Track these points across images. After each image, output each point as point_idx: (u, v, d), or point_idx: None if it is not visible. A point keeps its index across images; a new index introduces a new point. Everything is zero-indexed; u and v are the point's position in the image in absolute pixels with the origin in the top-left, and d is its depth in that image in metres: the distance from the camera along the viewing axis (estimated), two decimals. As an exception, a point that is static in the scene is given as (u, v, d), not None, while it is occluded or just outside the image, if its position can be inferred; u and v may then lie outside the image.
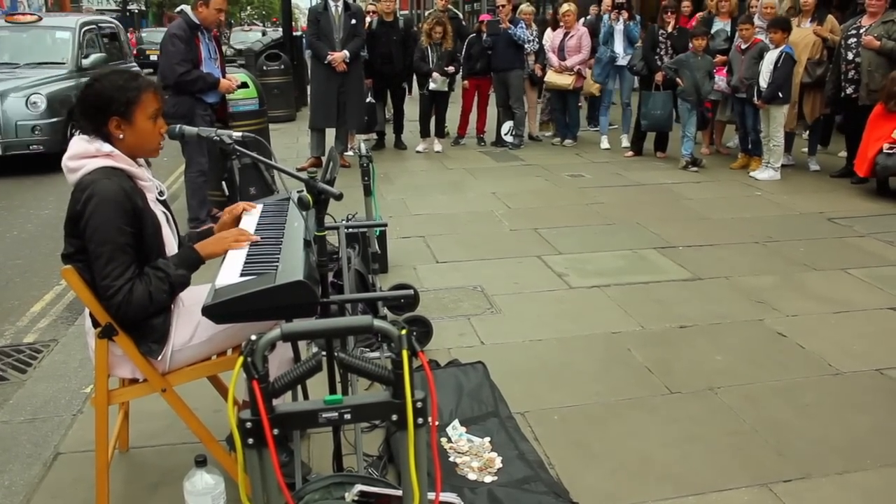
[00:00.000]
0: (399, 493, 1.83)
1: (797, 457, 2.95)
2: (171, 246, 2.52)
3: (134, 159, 2.48)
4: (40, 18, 10.87)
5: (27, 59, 10.06)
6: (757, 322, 4.27)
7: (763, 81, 7.48)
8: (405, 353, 1.52)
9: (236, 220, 2.78)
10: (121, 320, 2.36)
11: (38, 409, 3.47)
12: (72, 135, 7.84)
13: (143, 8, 48.69)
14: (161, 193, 2.58)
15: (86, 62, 10.06)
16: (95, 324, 2.40)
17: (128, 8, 43.78)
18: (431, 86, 9.29)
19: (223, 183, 6.36)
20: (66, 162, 2.37)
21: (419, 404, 1.54)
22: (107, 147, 2.37)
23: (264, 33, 24.52)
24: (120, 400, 2.64)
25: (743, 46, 7.83)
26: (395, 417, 1.56)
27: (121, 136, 2.40)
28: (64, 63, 10.03)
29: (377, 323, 1.56)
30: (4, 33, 10.54)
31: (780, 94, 7.44)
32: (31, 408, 3.49)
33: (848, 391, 3.49)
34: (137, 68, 11.25)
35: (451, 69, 9.30)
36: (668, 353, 3.90)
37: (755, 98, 7.61)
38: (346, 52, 8.23)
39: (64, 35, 10.39)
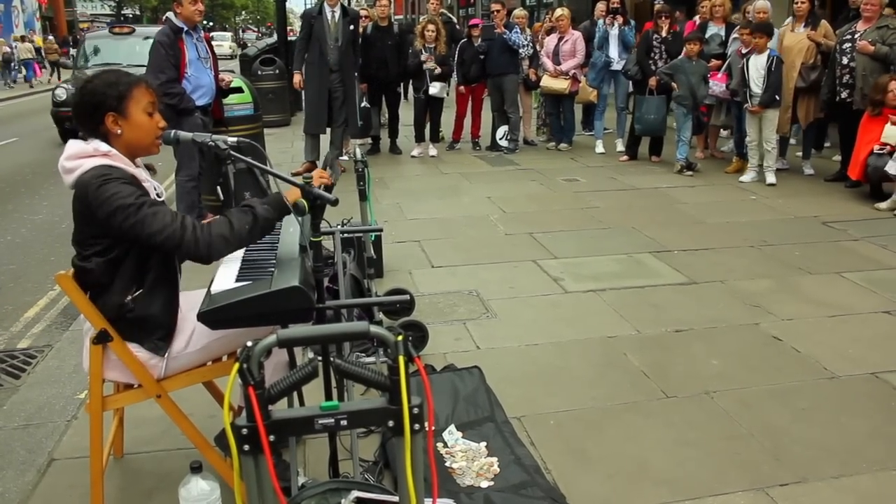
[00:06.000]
0: (395, 499, 1.82)
1: (793, 461, 2.95)
2: (170, 249, 2.50)
3: (132, 160, 2.47)
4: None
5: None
6: (752, 326, 4.28)
7: (755, 87, 7.50)
8: (401, 359, 1.51)
9: None
10: (205, 258, 2.25)
11: (32, 415, 3.46)
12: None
13: (138, 12, 48.66)
14: (159, 195, 2.57)
15: None
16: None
17: (122, 12, 43.75)
18: (432, 90, 9.28)
19: (218, 188, 6.36)
20: (63, 162, 2.34)
21: (416, 410, 1.54)
22: (104, 147, 2.35)
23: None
24: (115, 406, 2.63)
25: (744, 51, 7.85)
26: (391, 423, 1.55)
27: (118, 131, 2.39)
28: None
29: (373, 329, 1.55)
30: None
31: (777, 98, 7.48)
32: (25, 414, 3.48)
33: (843, 395, 3.49)
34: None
35: (439, 70, 9.28)
36: (663, 357, 3.90)
37: (750, 104, 7.61)
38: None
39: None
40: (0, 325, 4.85)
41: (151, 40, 11.67)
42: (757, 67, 7.50)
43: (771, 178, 7.75)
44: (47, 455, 3.11)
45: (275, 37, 14.94)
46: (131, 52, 12.23)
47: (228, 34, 50.41)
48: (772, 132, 7.63)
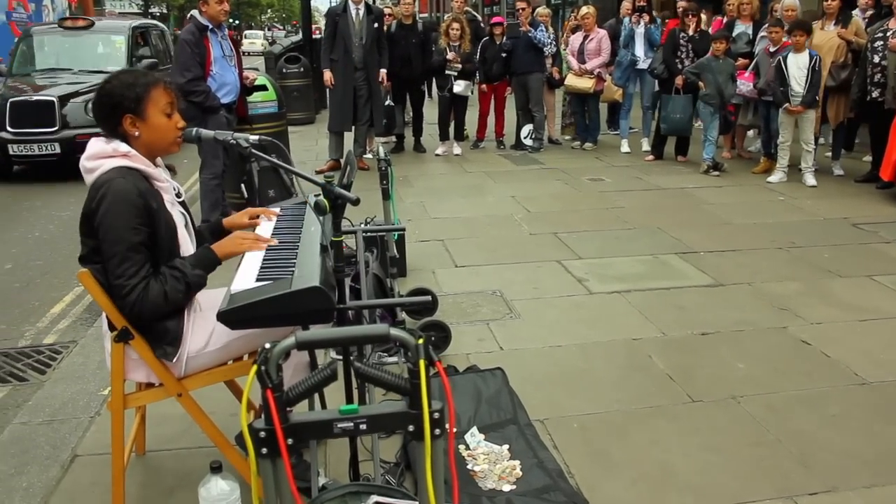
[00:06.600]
0: (415, 504, 1.80)
1: (823, 469, 2.88)
2: (188, 248, 2.50)
3: (153, 160, 2.47)
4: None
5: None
6: (780, 329, 4.20)
7: (797, 86, 7.34)
8: (422, 363, 1.49)
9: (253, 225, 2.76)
10: (135, 320, 2.34)
11: (56, 411, 3.48)
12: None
13: (165, 11, 49.06)
14: (178, 195, 2.57)
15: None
16: (112, 327, 2.39)
17: (150, 11, 44.05)
18: (456, 88, 9.25)
19: (242, 185, 6.38)
20: (84, 162, 2.36)
21: (436, 415, 1.51)
22: (124, 147, 2.36)
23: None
24: (136, 404, 2.63)
25: (772, 49, 7.73)
26: (411, 428, 1.53)
27: (136, 133, 2.39)
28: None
29: (394, 332, 1.52)
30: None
31: (817, 98, 7.37)
32: (50, 409, 3.50)
33: (875, 402, 3.41)
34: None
35: (460, 66, 9.24)
36: (689, 360, 3.84)
37: (789, 103, 7.46)
38: (384, 71, 8.64)
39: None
40: (27, 321, 4.89)
41: (118, 37, 10.21)
42: (798, 66, 7.33)
43: (811, 179, 7.61)
44: (71, 451, 3.12)
45: (300, 35, 14.92)
46: (90, 53, 10.29)
47: (260, 32, 53.74)
48: (811, 133, 7.52)
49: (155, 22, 12.01)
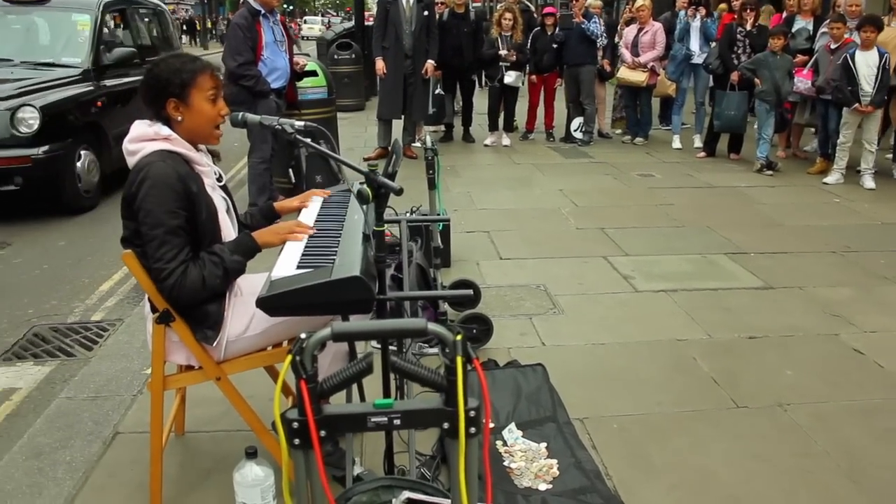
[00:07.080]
0: (447, 502, 1.77)
1: (872, 485, 2.78)
2: (229, 232, 2.51)
3: (195, 145, 2.48)
4: None
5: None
6: (832, 337, 4.07)
7: (867, 85, 7.09)
8: (459, 360, 1.45)
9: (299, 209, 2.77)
10: (173, 304, 2.35)
11: (100, 388, 3.54)
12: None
13: (220, -5, 49.63)
14: (220, 179, 2.57)
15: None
16: (154, 309, 2.41)
17: (204, -5, 44.54)
18: (507, 79, 9.19)
19: (290, 170, 6.42)
20: (126, 144, 2.40)
21: (472, 413, 1.47)
22: (165, 130, 2.38)
23: None
24: (175, 386, 2.65)
25: (833, 46, 7.49)
26: (446, 425, 1.50)
27: (179, 118, 2.40)
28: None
29: (431, 326, 1.49)
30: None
31: (886, 97, 7.13)
32: (95, 386, 3.56)
33: (930, 416, 3.28)
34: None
35: (514, 58, 9.17)
36: (735, 364, 3.75)
37: (859, 103, 7.18)
38: (431, 63, 8.55)
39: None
40: (76, 297, 4.99)
41: (82, 17, 7.45)
42: (868, 64, 7.07)
43: (870, 182, 7.37)
44: (113, 428, 3.18)
45: (353, 21, 14.94)
46: (41, 38, 7.72)
47: (318, 18, 58.76)
48: (875, 132, 7.28)
49: None
